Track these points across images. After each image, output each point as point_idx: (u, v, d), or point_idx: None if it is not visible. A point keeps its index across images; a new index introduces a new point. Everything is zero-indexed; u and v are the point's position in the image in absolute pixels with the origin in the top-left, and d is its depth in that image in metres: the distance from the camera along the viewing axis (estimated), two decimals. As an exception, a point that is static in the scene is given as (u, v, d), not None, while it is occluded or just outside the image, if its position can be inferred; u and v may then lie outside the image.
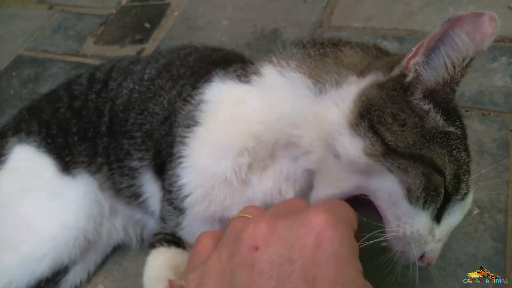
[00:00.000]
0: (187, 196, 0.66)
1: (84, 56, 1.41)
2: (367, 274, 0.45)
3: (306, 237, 0.41)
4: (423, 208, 0.52)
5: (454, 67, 0.51)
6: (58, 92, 0.91)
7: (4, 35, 1.57)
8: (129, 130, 0.79)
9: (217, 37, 1.34)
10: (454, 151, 0.53)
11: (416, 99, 0.53)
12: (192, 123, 0.66)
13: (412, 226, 0.53)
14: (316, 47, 0.65)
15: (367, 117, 0.53)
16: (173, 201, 0.69)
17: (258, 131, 0.62)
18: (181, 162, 0.66)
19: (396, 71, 0.55)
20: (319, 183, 0.61)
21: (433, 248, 0.56)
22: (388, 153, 0.51)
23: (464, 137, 0.56)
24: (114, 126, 0.82)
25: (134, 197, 0.82)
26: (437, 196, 0.52)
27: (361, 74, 0.59)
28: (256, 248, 0.42)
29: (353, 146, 0.53)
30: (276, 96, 0.62)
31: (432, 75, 0.52)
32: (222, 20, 1.41)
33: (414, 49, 0.52)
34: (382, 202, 0.54)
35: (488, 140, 0.95)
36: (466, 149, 0.56)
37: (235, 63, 0.75)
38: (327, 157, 0.57)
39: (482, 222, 0.83)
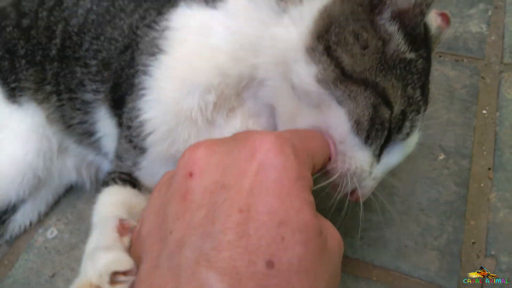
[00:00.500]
0: (149, 133, 0.61)
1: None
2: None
3: (245, 161, 0.37)
4: (367, 143, 0.50)
5: None
6: (5, 11, 0.82)
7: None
8: (83, 56, 0.72)
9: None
10: (409, 87, 0.50)
11: (383, 18, 0.49)
12: (156, 50, 0.60)
13: (356, 162, 0.51)
14: None
15: (325, 38, 0.49)
16: (132, 138, 0.63)
17: (223, 62, 0.57)
18: (144, 95, 0.60)
19: None
20: (278, 120, 0.58)
21: (367, 185, 0.54)
22: (341, 79, 0.48)
23: (424, 72, 0.52)
24: (66, 50, 0.74)
25: (86, 134, 0.76)
26: (382, 131, 0.49)
27: None
28: (191, 175, 0.38)
29: (305, 73, 0.50)
30: (239, 21, 0.57)
31: None
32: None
33: None
34: (332, 136, 0.51)
35: (459, 86, 0.93)
36: (422, 87, 0.52)
37: None
38: (283, 88, 0.54)
39: (447, 168, 0.82)
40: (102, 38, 0.71)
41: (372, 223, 0.76)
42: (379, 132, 0.49)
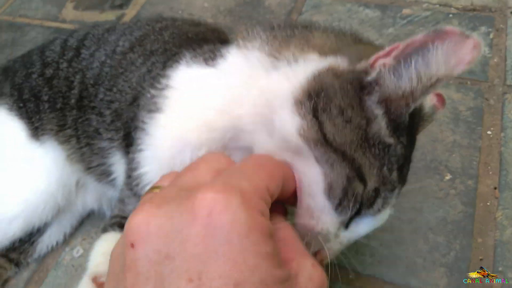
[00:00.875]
0: (146, 185, 0.65)
1: (63, 21, 1.38)
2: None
3: (188, 225, 0.35)
4: (338, 210, 0.50)
5: (418, 82, 0.47)
6: (32, 56, 0.88)
7: (-20, -1, 1.54)
8: (98, 106, 0.77)
9: (199, 3, 1.32)
10: (385, 167, 0.50)
11: (370, 100, 0.49)
12: (153, 109, 0.64)
13: (322, 222, 0.52)
14: (285, 29, 0.62)
15: (314, 100, 0.50)
16: (132, 187, 0.68)
17: (210, 117, 0.60)
18: (141, 150, 0.65)
19: (361, 65, 0.51)
20: None
21: (332, 247, 0.54)
22: (322, 143, 0.49)
23: (403, 156, 0.52)
24: (83, 99, 0.79)
25: (104, 175, 0.81)
26: (354, 203, 0.50)
27: (324, 54, 0.55)
28: (132, 246, 0.35)
29: (289, 123, 0.50)
30: (232, 78, 0.60)
31: (394, 83, 0.48)
32: (205, -14, 1.39)
33: (387, 49, 0.48)
34: (303, 187, 0.51)
35: (464, 108, 0.96)
36: (400, 169, 0.52)
37: (210, 43, 0.71)
38: (262, 132, 0.55)
39: (453, 188, 0.85)
40: (114, 89, 0.75)
41: (383, 241, 0.80)
42: (350, 203, 0.49)
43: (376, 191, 0.50)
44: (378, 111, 0.49)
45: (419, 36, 0.46)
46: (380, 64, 0.48)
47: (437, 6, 1.18)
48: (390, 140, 0.49)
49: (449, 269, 0.75)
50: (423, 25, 1.14)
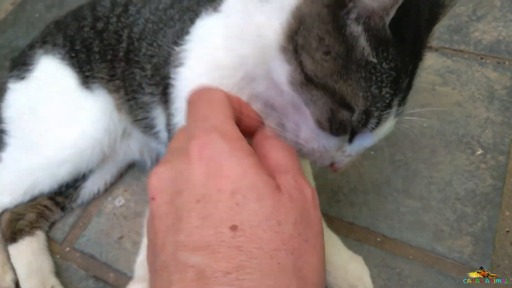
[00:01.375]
0: None
1: (108, -15, 1.42)
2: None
3: (186, 165, 0.42)
4: (333, 134, 0.51)
5: None
6: (83, 11, 0.92)
7: (29, -40, 1.59)
8: (141, 60, 0.80)
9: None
10: (374, 87, 0.48)
11: (349, 19, 0.47)
12: (177, 64, 0.66)
13: (325, 145, 0.53)
14: None
15: (294, 40, 0.48)
16: (170, 137, 0.71)
17: (218, 56, 0.60)
18: (172, 103, 0.68)
19: None
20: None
21: (341, 160, 0.55)
22: (305, 83, 0.49)
23: (393, 69, 0.48)
24: (130, 53, 0.82)
25: (148, 127, 0.85)
26: (344, 128, 0.50)
27: None
28: (153, 199, 0.43)
29: (281, 73, 0.50)
30: (232, 16, 0.59)
31: None
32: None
33: None
34: (303, 131, 0.53)
35: (500, 87, 0.97)
36: (395, 81, 0.49)
37: None
38: (269, 83, 0.55)
39: (484, 162, 0.87)
40: (154, 44, 0.78)
41: (411, 208, 0.83)
42: (340, 129, 0.50)
43: (367, 113, 0.49)
44: (358, 29, 0.46)
45: None
46: None
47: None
48: (374, 59, 0.47)
49: (475, 238, 0.78)
50: (464, 4, 1.14)
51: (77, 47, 0.87)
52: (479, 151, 0.89)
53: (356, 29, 0.46)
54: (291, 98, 0.51)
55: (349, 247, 0.78)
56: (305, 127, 0.52)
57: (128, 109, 0.86)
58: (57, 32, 0.91)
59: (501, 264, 0.75)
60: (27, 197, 0.89)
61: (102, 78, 0.86)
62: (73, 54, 0.87)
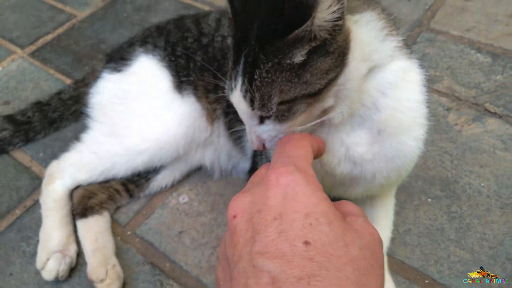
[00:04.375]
0: None
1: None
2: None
3: (266, 191, 0.49)
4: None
5: None
6: (186, 23, 1.00)
7: (124, -36, 1.71)
8: None
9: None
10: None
11: None
12: None
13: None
14: None
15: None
16: None
17: None
18: None
19: None
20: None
21: (262, 137, 0.62)
22: None
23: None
24: None
25: (239, 139, 0.91)
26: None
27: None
28: (234, 217, 0.50)
29: None
30: None
31: None
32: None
33: None
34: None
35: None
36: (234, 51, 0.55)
37: None
38: None
39: (537, 229, 0.91)
40: None
41: (461, 259, 0.86)
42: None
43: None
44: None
45: None
46: None
47: (548, 64, 1.24)
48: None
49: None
50: (531, 79, 1.20)
51: (178, 53, 0.94)
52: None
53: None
54: None
55: (398, 284, 0.82)
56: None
57: (223, 119, 0.92)
58: (158, 35, 0.99)
59: (544, 328, 0.78)
60: (102, 178, 0.95)
61: (197, 89, 0.92)
62: (173, 58, 0.94)
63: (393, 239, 0.89)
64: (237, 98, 0.57)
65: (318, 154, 0.60)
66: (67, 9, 1.53)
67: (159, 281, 0.86)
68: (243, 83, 0.55)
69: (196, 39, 0.95)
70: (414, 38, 1.33)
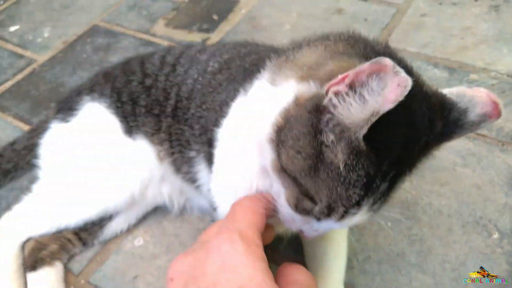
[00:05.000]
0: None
1: (154, 35, 1.53)
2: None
3: (206, 257, 0.51)
4: (297, 213, 0.58)
5: (363, 110, 0.47)
6: (132, 66, 0.98)
7: (84, 5, 1.72)
8: (190, 119, 0.85)
9: (278, 39, 1.43)
10: (339, 187, 0.51)
11: (325, 126, 0.51)
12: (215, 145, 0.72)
13: (289, 216, 0.60)
14: (282, 54, 0.65)
15: (279, 134, 0.54)
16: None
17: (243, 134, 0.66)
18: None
19: (323, 90, 0.51)
20: None
21: (308, 231, 0.62)
22: (281, 171, 0.55)
23: (368, 176, 0.51)
24: (178, 110, 0.87)
25: (191, 181, 0.89)
26: (308, 213, 0.56)
27: (302, 79, 0.55)
28: (171, 279, 0.52)
29: (267, 158, 0.57)
30: (253, 106, 0.65)
31: (345, 110, 0.48)
32: (286, 24, 1.51)
33: (339, 77, 0.48)
34: (277, 201, 0.61)
35: (520, 175, 1.00)
36: (363, 186, 0.51)
37: None
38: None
39: (500, 246, 0.88)
40: (203, 106, 0.82)
41: (423, 283, 0.83)
42: (304, 213, 0.56)
43: (330, 207, 0.53)
44: (331, 137, 0.50)
45: (365, 65, 0.45)
46: (332, 91, 0.49)
47: (505, 76, 1.23)
48: (343, 169, 0.50)
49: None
50: (489, 91, 1.19)
51: (124, 99, 0.92)
52: (496, 235, 0.90)
53: (330, 137, 0.50)
54: (273, 176, 0.58)
55: (359, 316, 0.79)
56: (281, 199, 0.59)
57: (172, 161, 0.90)
58: (105, 82, 0.97)
59: None
60: (53, 230, 0.93)
61: (147, 131, 0.91)
62: (119, 105, 0.92)
63: (352, 268, 0.87)
64: (358, 216, 0.55)
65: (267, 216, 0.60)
66: (28, 53, 1.53)
67: (113, 332, 0.83)
68: (376, 202, 0.54)
69: (140, 82, 0.93)
70: (372, 58, 1.33)
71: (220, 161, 0.72)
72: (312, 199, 0.54)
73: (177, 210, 0.99)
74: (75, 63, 1.45)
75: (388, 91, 0.43)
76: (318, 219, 0.56)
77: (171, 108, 0.88)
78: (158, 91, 0.91)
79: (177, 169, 0.90)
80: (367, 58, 0.52)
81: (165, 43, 1.47)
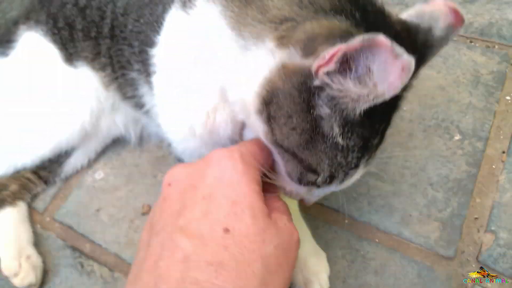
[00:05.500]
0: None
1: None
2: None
3: (205, 168, 0.50)
4: (300, 185, 0.55)
5: (362, 88, 0.44)
6: None
7: None
8: (128, 36, 0.79)
9: None
10: (339, 156, 0.50)
11: (318, 101, 0.48)
12: (151, 70, 0.68)
13: (293, 189, 0.58)
14: None
15: (268, 108, 0.51)
16: None
17: (189, 72, 0.62)
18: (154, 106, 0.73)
19: (308, 64, 0.47)
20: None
21: (309, 199, 0.61)
22: (276, 144, 0.52)
23: (363, 139, 0.50)
24: (115, 29, 0.82)
25: (139, 106, 0.86)
26: (311, 184, 0.54)
27: (281, 42, 0.50)
28: (169, 184, 0.51)
29: (258, 128, 0.54)
30: (205, 37, 0.58)
31: (339, 86, 0.46)
32: None
33: (327, 56, 0.44)
34: (276, 167, 0.58)
35: (486, 72, 0.95)
36: (360, 149, 0.51)
37: None
38: (247, 119, 0.58)
39: (461, 148, 0.86)
40: (141, 21, 0.77)
41: (381, 191, 0.83)
42: (308, 184, 0.54)
43: (331, 176, 0.53)
44: (326, 111, 0.48)
45: (355, 40, 0.41)
46: (323, 72, 0.45)
47: None
48: (340, 139, 0.49)
49: (443, 224, 0.78)
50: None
51: (60, 25, 0.87)
52: (457, 137, 0.87)
53: (325, 110, 0.48)
54: (272, 148, 0.55)
55: (317, 228, 0.79)
56: (280, 169, 0.57)
57: (117, 86, 0.87)
58: (40, 8, 0.91)
59: (465, 250, 0.75)
60: (10, 170, 0.91)
61: (86, 57, 0.86)
62: (56, 31, 0.87)
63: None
64: (355, 175, 0.55)
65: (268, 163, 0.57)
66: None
67: (80, 264, 0.84)
68: (370, 157, 0.54)
69: (74, 3, 0.87)
70: None
71: (164, 92, 0.69)
72: (314, 171, 0.53)
73: (134, 140, 0.98)
74: (25, -4, 1.37)
75: (394, 76, 0.41)
76: (319, 186, 0.55)
77: (107, 28, 0.83)
78: (93, 11, 0.85)
79: (123, 94, 0.87)
80: (342, 11, 0.50)
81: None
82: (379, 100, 0.44)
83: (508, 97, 0.91)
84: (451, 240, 0.76)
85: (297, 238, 0.51)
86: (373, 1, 0.54)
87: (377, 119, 0.51)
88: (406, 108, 0.92)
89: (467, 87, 0.93)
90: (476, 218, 0.78)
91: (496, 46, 0.99)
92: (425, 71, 0.95)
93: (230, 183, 0.48)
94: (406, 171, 0.85)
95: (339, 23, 0.49)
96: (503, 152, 0.85)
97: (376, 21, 0.51)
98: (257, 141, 0.56)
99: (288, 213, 0.53)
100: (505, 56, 0.97)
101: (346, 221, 0.81)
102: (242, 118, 0.60)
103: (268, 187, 0.56)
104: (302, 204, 0.65)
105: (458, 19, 0.53)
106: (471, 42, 1.00)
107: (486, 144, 0.86)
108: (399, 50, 0.39)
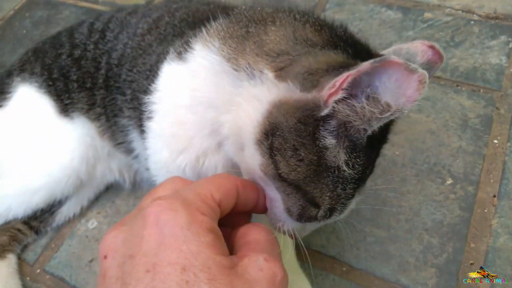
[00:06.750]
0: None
1: (96, 2, 1.45)
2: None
3: (142, 229, 0.42)
4: (298, 221, 0.55)
5: (371, 110, 0.46)
6: (61, 38, 0.93)
7: (20, -24, 1.61)
8: (121, 85, 0.81)
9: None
10: (339, 188, 0.51)
11: (325, 131, 0.49)
12: (148, 116, 0.67)
13: (288, 226, 0.56)
14: (240, 23, 0.58)
15: (270, 139, 0.50)
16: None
17: (183, 116, 0.62)
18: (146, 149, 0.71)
19: (313, 98, 0.48)
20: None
21: (300, 233, 0.59)
22: (278, 178, 0.51)
23: (362, 170, 0.51)
24: (109, 79, 0.83)
25: (128, 151, 0.86)
26: (310, 219, 0.54)
27: (279, 74, 0.51)
28: (105, 257, 0.44)
29: (253, 159, 0.53)
30: (200, 79, 0.60)
31: (348, 112, 0.47)
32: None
33: (337, 84, 0.45)
34: (269, 204, 0.56)
35: (473, 116, 0.98)
36: (358, 179, 0.52)
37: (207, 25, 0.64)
38: (237, 151, 0.57)
39: (453, 192, 0.87)
40: (134, 70, 0.78)
41: (377, 238, 0.83)
42: (307, 219, 0.54)
43: (331, 209, 0.53)
44: (332, 141, 0.49)
45: (365, 64, 0.43)
46: (333, 100, 0.46)
47: (460, 12, 1.18)
48: (346, 168, 0.50)
49: (439, 270, 0.78)
50: (443, 30, 1.14)
51: (55, 76, 0.88)
52: (449, 181, 0.89)
53: (330, 141, 0.49)
54: (261, 179, 0.54)
55: (315, 276, 0.79)
56: (276, 206, 0.55)
57: (110, 134, 0.87)
58: (35, 60, 0.92)
59: (463, 297, 0.75)
60: (1, 222, 0.90)
61: (82, 108, 0.87)
62: (51, 83, 0.88)
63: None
64: (351, 206, 0.56)
65: (246, 203, 0.53)
66: (-35, 35, 1.44)
67: (72, 318, 0.82)
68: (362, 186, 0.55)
69: (69, 54, 0.88)
70: (323, 5, 1.27)
71: (158, 135, 0.68)
72: (316, 205, 0.52)
73: (128, 185, 0.97)
74: (15, 40, 1.38)
75: (412, 90, 0.42)
76: (319, 221, 0.55)
77: (102, 78, 0.84)
78: (88, 62, 0.86)
79: (115, 140, 0.87)
80: (336, 46, 0.52)
81: (108, 9, 1.39)
82: (396, 115, 0.45)
83: (495, 141, 0.93)
84: (449, 286, 0.77)
85: (280, 278, 0.44)
86: (359, 40, 0.57)
87: (374, 149, 0.53)
88: (398, 153, 0.94)
89: (456, 131, 0.95)
90: (472, 264, 0.79)
91: (481, 90, 1.02)
92: (415, 115, 0.99)
93: (174, 244, 0.41)
94: (401, 216, 0.85)
95: (335, 56, 0.51)
96: (494, 196, 0.86)
97: (367, 56, 0.52)
98: (218, 175, 0.53)
99: (270, 246, 0.47)
100: (490, 100, 1.00)
101: (344, 268, 0.81)
102: (232, 156, 0.59)
103: (240, 218, 0.52)
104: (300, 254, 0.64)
105: (436, 55, 0.55)
106: (457, 86, 1.03)
107: (478, 188, 0.87)
108: (413, 65, 0.41)
